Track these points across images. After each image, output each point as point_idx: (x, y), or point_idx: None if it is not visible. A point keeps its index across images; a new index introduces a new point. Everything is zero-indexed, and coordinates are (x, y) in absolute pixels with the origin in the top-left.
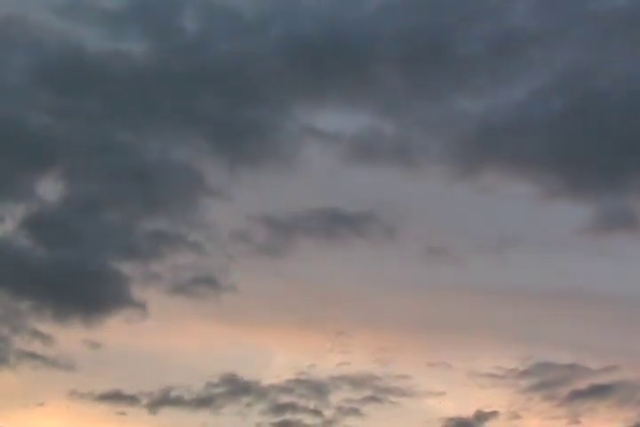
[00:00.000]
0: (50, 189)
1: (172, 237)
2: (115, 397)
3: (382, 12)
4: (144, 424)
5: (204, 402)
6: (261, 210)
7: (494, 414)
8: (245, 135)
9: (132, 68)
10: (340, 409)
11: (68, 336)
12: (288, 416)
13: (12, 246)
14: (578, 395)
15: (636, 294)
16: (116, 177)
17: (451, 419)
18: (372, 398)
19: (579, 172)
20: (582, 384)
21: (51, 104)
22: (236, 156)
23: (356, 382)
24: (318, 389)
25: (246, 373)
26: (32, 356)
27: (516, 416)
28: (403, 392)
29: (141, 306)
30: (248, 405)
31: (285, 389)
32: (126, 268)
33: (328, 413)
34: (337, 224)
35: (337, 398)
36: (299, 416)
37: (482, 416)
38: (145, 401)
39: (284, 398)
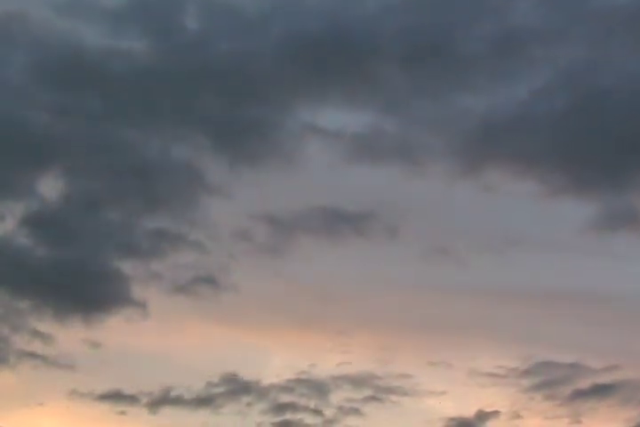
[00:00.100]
0: (50, 187)
1: (173, 236)
2: (115, 396)
3: (384, 11)
4: (144, 424)
5: (204, 402)
6: (262, 208)
7: (495, 413)
8: (246, 133)
9: (133, 66)
10: (340, 409)
11: (68, 336)
12: (288, 416)
13: (12, 245)
14: (579, 394)
15: (639, 293)
16: (117, 175)
17: (452, 419)
18: (373, 398)
19: (581, 170)
20: (584, 384)
21: (51, 102)
22: (237, 154)
23: (357, 381)
24: (319, 388)
25: (247, 372)
26: (32, 355)
27: (517, 416)
28: (403, 392)
29: (142, 305)
30: (248, 404)
31: (286, 388)
32: (126, 267)
33: (328, 412)
34: (338, 223)
35: (337, 397)
36: (299, 416)
37: (483, 416)
38: (145, 401)
39: (285, 398)
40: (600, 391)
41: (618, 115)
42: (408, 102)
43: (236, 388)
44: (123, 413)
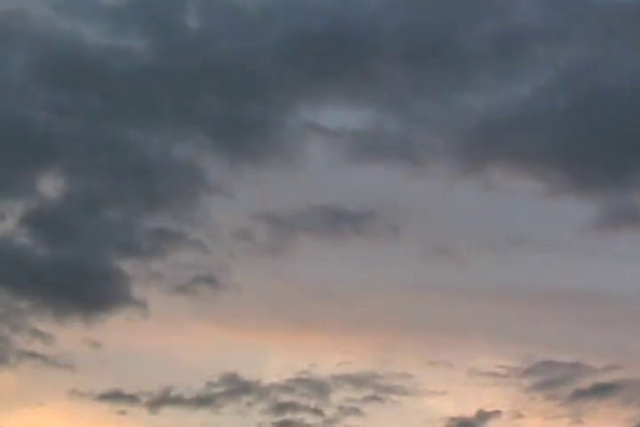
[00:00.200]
0: (50, 186)
1: (173, 235)
2: (115, 396)
3: (385, 9)
4: (144, 424)
5: (204, 401)
6: (263, 207)
7: (496, 413)
8: (247, 132)
9: (133, 65)
10: (341, 409)
11: (68, 336)
12: (289, 416)
13: (12, 245)
14: (580, 394)
15: None
16: (117, 174)
17: (453, 419)
18: (374, 398)
19: (583, 169)
20: (585, 384)
21: (51, 101)
22: (238, 153)
23: (357, 381)
24: (319, 388)
25: (247, 372)
26: (32, 355)
27: (518, 416)
28: (404, 392)
29: (142, 305)
30: (249, 404)
31: (286, 388)
32: (127, 266)
33: (329, 412)
34: (339, 222)
35: (338, 397)
36: (299, 416)
37: (484, 416)
38: (145, 401)
39: (285, 398)
40: (601, 391)
41: (620, 114)
42: (409, 101)
43: (237, 388)
44: (123, 412)
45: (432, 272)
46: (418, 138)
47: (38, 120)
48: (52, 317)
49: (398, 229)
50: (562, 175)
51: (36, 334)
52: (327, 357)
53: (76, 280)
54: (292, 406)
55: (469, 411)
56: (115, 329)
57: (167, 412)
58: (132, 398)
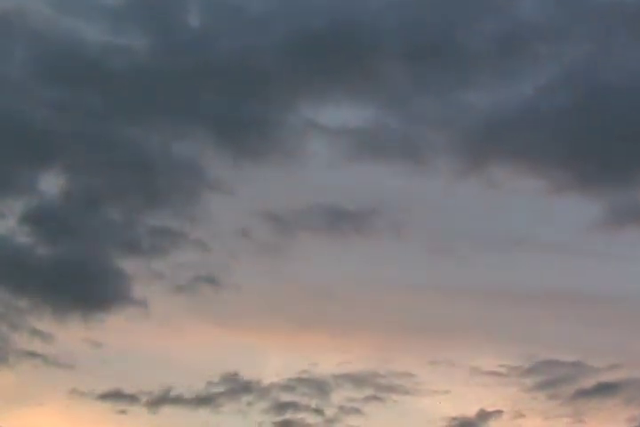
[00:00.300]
0: (50, 184)
1: (174, 234)
2: (115, 396)
3: (387, 7)
4: (144, 423)
5: (204, 401)
6: (265, 205)
7: (498, 413)
8: (248, 130)
9: (134, 62)
10: (341, 408)
11: (68, 335)
12: (289, 415)
13: (12, 243)
14: (582, 394)
15: None
16: (118, 172)
17: (454, 418)
18: (374, 397)
19: (586, 167)
20: (587, 383)
21: (51, 99)
22: (239, 151)
23: (358, 380)
24: (320, 387)
25: (247, 372)
26: (31, 355)
27: (519, 415)
28: (405, 391)
29: (142, 305)
30: (249, 404)
31: (286, 388)
32: (127, 265)
33: (330, 412)
34: (340, 221)
35: (339, 396)
36: (300, 415)
37: (485, 415)
38: (145, 400)
39: (286, 397)
40: (603, 391)
41: (622, 112)
42: (411, 100)
43: (237, 387)
44: (123, 412)
45: (433, 271)
46: (419, 136)
47: (38, 118)
48: (51, 316)
49: (399, 227)
50: (564, 173)
51: (36, 333)
52: (328, 356)
53: (76, 279)
54: (292, 406)
55: (470, 411)
56: (115, 329)
57: (167, 412)
58: (132, 398)
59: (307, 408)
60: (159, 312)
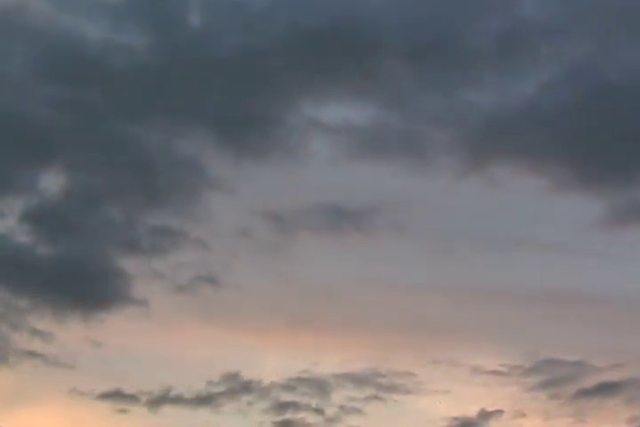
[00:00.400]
0: (50, 183)
1: (175, 233)
2: (115, 395)
3: (388, 5)
4: (145, 423)
5: (204, 401)
6: (266, 204)
7: (499, 412)
8: (249, 129)
9: (134, 60)
10: (342, 408)
11: (68, 335)
12: (290, 415)
13: (12, 242)
14: (584, 393)
15: None
16: (118, 171)
17: (455, 418)
18: (375, 397)
19: (589, 165)
20: (588, 382)
21: (51, 97)
22: (240, 149)
23: (359, 380)
24: (320, 387)
25: (247, 371)
26: (31, 354)
27: (520, 415)
28: (406, 391)
29: (143, 304)
30: (249, 403)
31: (287, 387)
32: (128, 265)
33: (330, 411)
34: (341, 220)
35: (339, 396)
36: (300, 415)
37: (486, 415)
38: (145, 400)
39: (286, 397)
40: (605, 390)
41: (624, 110)
42: (412, 98)
43: (237, 387)
44: (123, 412)
45: (435, 270)
46: (421, 135)
47: (38, 116)
48: (51, 315)
49: (401, 227)
50: (566, 172)
51: (36, 333)
52: (328, 356)
53: (76, 279)
54: (292, 406)
55: (471, 410)
56: (115, 328)
57: (167, 411)
58: (132, 398)
59: (307, 408)
60: (159, 312)
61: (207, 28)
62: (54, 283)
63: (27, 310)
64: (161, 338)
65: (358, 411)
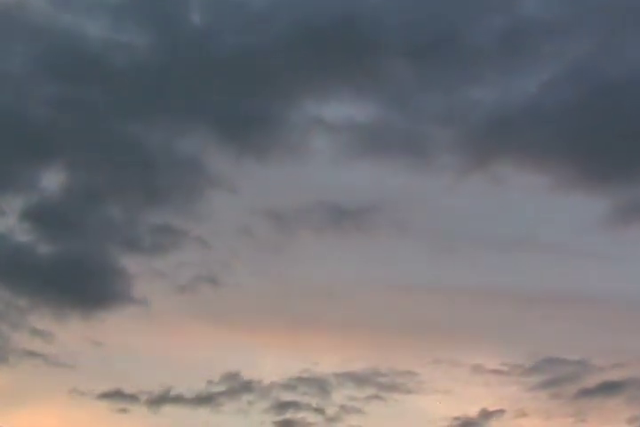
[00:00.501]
0: (51, 181)
1: (175, 231)
2: (115, 395)
3: (390, 3)
4: (145, 423)
5: (204, 400)
6: (266, 203)
7: (500, 412)
8: (251, 127)
9: (135, 58)
10: (342, 407)
11: (69, 334)
12: (290, 415)
13: (12, 241)
14: (585, 393)
15: None
16: (119, 169)
17: (456, 418)
18: (376, 397)
19: (591, 163)
20: (590, 382)
21: (52, 96)
22: (242, 148)
23: (360, 379)
24: (321, 387)
25: (248, 371)
26: (32, 354)
27: (521, 415)
28: (407, 390)
29: (143, 304)
30: (250, 403)
31: (287, 387)
32: (128, 264)
33: (331, 411)
34: (342, 219)
35: (340, 396)
36: (301, 414)
37: (487, 415)
38: (145, 399)
39: (286, 397)
40: (606, 390)
41: (627, 108)
42: (414, 96)
43: (237, 386)
44: (123, 411)
45: (436, 270)
46: (423, 133)
47: (39, 115)
48: (52, 315)
49: (402, 226)
50: (569, 170)
51: (36, 332)
52: (329, 355)
53: (76, 278)
54: (293, 405)
55: (472, 410)
56: (115, 328)
57: (168, 411)
58: (132, 397)
59: (307, 408)
60: (160, 312)
61: (208, 27)
62: (54, 282)
63: (27, 310)
64: (161, 338)
65: (359, 411)
